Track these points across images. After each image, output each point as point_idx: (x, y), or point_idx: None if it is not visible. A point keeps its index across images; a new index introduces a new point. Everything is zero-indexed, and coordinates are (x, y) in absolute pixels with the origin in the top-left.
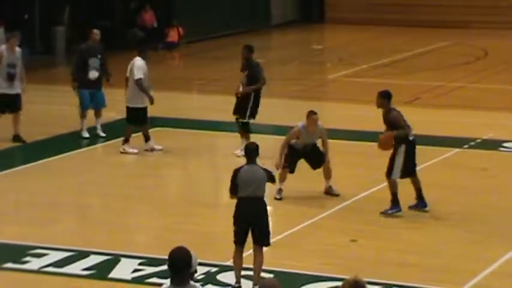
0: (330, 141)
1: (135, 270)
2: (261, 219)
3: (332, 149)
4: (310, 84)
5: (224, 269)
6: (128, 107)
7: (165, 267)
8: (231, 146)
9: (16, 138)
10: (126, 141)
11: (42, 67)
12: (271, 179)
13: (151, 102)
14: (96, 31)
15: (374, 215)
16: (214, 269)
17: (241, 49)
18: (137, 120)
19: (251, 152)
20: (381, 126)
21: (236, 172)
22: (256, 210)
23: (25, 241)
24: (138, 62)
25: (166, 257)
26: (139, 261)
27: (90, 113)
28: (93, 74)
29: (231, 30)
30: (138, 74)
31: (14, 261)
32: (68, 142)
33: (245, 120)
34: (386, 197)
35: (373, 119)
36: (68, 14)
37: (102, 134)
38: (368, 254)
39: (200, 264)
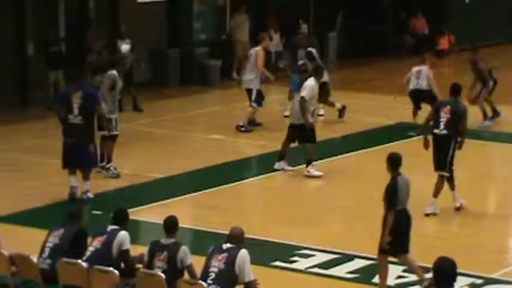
0: None
1: (399, 277)
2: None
3: None
4: None
5: (489, 281)
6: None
7: (430, 275)
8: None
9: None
10: (309, 163)
11: None
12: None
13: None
14: (304, 25)
15: None
16: (478, 281)
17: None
18: (301, 136)
19: (398, 162)
20: None
21: (396, 187)
22: (411, 220)
23: (293, 241)
24: (309, 81)
25: (431, 266)
26: (403, 267)
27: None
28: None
29: (506, 38)
30: (303, 93)
31: (282, 260)
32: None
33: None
34: None
35: None
36: (340, 20)
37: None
38: None
39: (464, 274)
